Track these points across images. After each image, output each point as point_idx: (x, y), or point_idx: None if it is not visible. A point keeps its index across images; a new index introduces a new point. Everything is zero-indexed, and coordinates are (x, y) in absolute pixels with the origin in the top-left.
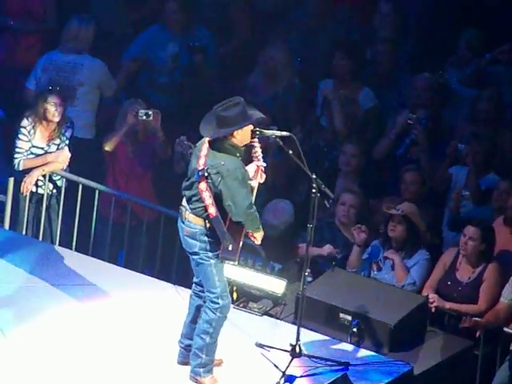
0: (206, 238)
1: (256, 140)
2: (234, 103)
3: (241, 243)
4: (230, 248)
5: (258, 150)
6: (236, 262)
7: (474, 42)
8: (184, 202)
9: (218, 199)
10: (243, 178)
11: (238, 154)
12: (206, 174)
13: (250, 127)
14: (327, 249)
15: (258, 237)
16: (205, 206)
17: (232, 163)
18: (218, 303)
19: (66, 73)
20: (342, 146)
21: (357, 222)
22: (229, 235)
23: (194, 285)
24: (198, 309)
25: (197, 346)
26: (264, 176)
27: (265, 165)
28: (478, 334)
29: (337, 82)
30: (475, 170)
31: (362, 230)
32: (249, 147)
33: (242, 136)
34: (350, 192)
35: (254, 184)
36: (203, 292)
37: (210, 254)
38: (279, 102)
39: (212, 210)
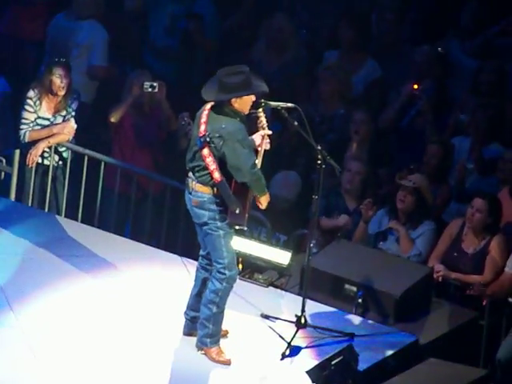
0: (214, 207)
1: (260, 110)
2: (238, 71)
3: (248, 207)
4: (238, 211)
5: (263, 120)
6: (245, 227)
7: (478, 14)
8: (189, 174)
9: (221, 163)
10: (244, 139)
11: (238, 119)
12: (207, 140)
13: (252, 98)
14: (342, 219)
15: (263, 201)
16: (210, 173)
17: (233, 125)
18: (225, 274)
19: (65, 35)
20: (352, 114)
21: (362, 189)
22: (235, 198)
23: (200, 257)
24: (204, 282)
25: (204, 316)
26: (268, 143)
27: (270, 132)
28: (484, 303)
29: (342, 53)
30: (478, 139)
31: (370, 207)
32: (254, 118)
33: (240, 104)
34: (355, 159)
35: (260, 151)
36: (210, 265)
37: (218, 224)
38: (285, 73)
39: (217, 175)
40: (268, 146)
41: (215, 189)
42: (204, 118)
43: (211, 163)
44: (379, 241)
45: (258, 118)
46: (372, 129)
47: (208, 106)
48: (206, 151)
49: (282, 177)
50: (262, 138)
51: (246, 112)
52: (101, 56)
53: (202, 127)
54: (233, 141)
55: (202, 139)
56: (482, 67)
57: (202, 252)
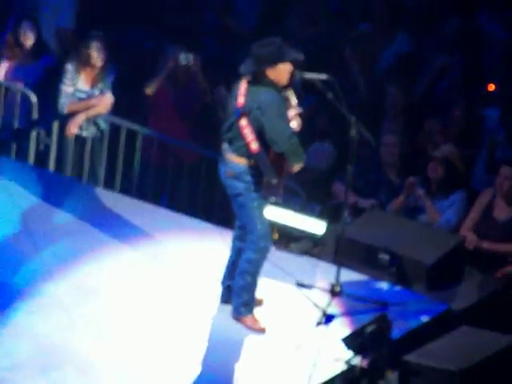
0: (249, 178)
1: (288, 90)
2: (270, 42)
3: (283, 180)
4: (274, 182)
5: (292, 98)
6: (280, 200)
7: None
8: (225, 145)
9: (259, 134)
10: (283, 110)
11: (274, 90)
12: (246, 110)
13: (288, 67)
14: (370, 202)
15: (296, 168)
16: (247, 143)
17: (271, 96)
18: (259, 244)
19: None
20: (387, 88)
21: (400, 162)
22: (272, 169)
23: (236, 228)
24: (240, 252)
25: (238, 286)
26: (300, 124)
27: (301, 110)
28: None
29: (375, 25)
30: (507, 110)
31: (413, 186)
32: (284, 98)
33: (276, 75)
34: (391, 133)
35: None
36: (245, 235)
37: (253, 195)
38: (318, 45)
39: (255, 146)
40: (298, 127)
41: (251, 160)
42: (242, 90)
43: (249, 134)
44: (414, 211)
45: (287, 98)
46: (406, 102)
47: (246, 79)
48: (243, 122)
49: (316, 148)
50: (292, 118)
51: (284, 82)
52: (68, 18)
53: (241, 99)
54: (271, 111)
55: (240, 110)
56: None
57: (237, 222)
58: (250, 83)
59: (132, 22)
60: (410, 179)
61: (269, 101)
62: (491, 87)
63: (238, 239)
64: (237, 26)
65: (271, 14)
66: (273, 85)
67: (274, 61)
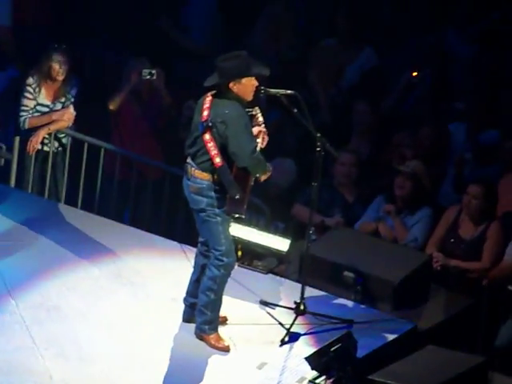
0: (212, 194)
1: (256, 108)
2: (235, 55)
3: (247, 194)
4: (238, 197)
5: (259, 116)
6: (243, 215)
7: (476, 2)
8: (189, 159)
9: (223, 149)
10: (247, 124)
11: (239, 105)
12: (210, 124)
13: (253, 82)
14: (335, 220)
15: (262, 178)
16: (210, 158)
17: (236, 110)
18: (223, 260)
19: None
20: (355, 105)
21: (358, 180)
22: (236, 184)
23: (199, 244)
24: (203, 268)
25: (202, 303)
26: (266, 140)
27: (265, 130)
28: (484, 282)
29: (339, 41)
30: (474, 126)
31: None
32: (250, 116)
33: (241, 89)
34: (348, 152)
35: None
36: (208, 251)
37: (216, 211)
38: (282, 61)
39: (218, 160)
40: (264, 145)
41: (214, 175)
42: (207, 104)
43: (213, 148)
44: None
45: (253, 116)
46: (375, 118)
47: (210, 93)
48: (207, 136)
49: (276, 164)
50: (257, 136)
51: (248, 98)
52: (4, 15)
53: (205, 112)
54: (235, 126)
55: (204, 124)
56: (479, 55)
57: (200, 238)
58: (214, 97)
59: (94, 34)
60: (388, 207)
61: (233, 115)
62: (414, 74)
63: (201, 255)
64: (185, 41)
65: (232, 30)
66: (237, 99)
67: (239, 75)
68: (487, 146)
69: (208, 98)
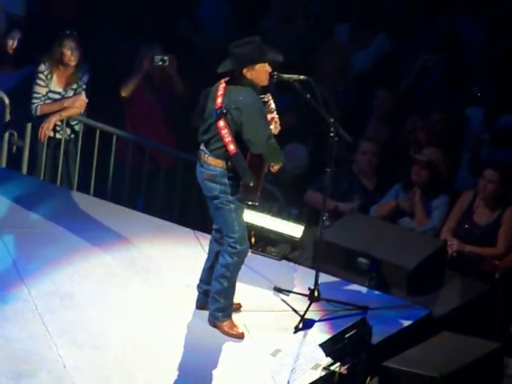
0: (226, 181)
1: (268, 95)
2: (248, 41)
3: (261, 181)
4: (252, 184)
5: (271, 103)
6: (257, 203)
7: None
8: (202, 146)
9: (237, 136)
10: (261, 110)
11: (253, 90)
12: (224, 111)
13: (266, 68)
14: (349, 206)
15: (276, 168)
16: (224, 145)
17: (250, 96)
18: (236, 248)
19: None
20: (375, 91)
21: (378, 169)
22: (250, 171)
23: (213, 231)
24: (217, 255)
25: (215, 291)
26: (278, 128)
27: (277, 117)
28: (496, 275)
29: (353, 27)
30: (490, 110)
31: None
32: (263, 103)
33: (255, 75)
34: (369, 140)
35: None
36: (222, 239)
37: (230, 198)
38: (296, 46)
39: (232, 147)
40: (277, 131)
41: (228, 162)
42: (221, 91)
43: (227, 135)
44: (394, 214)
45: (265, 102)
46: (393, 105)
47: (224, 80)
48: (221, 123)
49: (289, 150)
50: (270, 123)
51: (263, 83)
52: (19, 5)
53: (219, 99)
54: (250, 112)
55: (218, 111)
56: (491, 41)
57: (214, 225)
58: (228, 83)
59: (107, 20)
60: (414, 191)
61: (247, 101)
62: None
63: (215, 242)
64: (204, 44)
65: (244, 15)
66: (251, 85)
67: (253, 61)
68: (504, 129)
69: (222, 85)
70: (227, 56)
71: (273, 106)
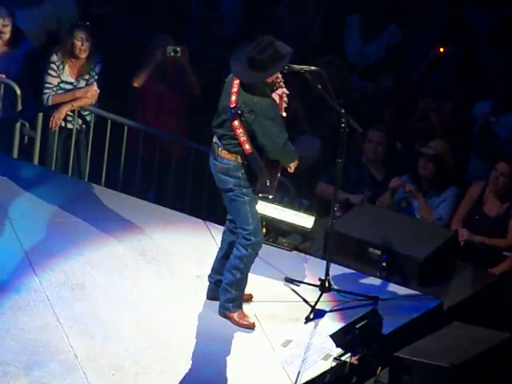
0: (239, 174)
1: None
2: (267, 44)
3: (277, 178)
4: (268, 183)
5: (279, 76)
6: (272, 196)
7: None
8: (215, 139)
9: (252, 136)
10: (276, 116)
11: (268, 90)
12: (239, 112)
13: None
14: (360, 198)
15: (292, 167)
16: (239, 143)
17: (265, 101)
18: (251, 240)
19: None
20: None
21: (384, 159)
22: (266, 171)
23: (227, 221)
24: (231, 245)
25: (227, 281)
26: (287, 103)
27: (287, 92)
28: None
29: (364, 18)
30: (500, 103)
31: (397, 187)
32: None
33: (271, 77)
34: (376, 129)
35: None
36: (236, 229)
37: (244, 191)
38: (306, 35)
39: (247, 147)
40: (285, 105)
41: (240, 156)
42: (235, 88)
43: (242, 134)
44: (403, 205)
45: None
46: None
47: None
48: (236, 123)
49: (301, 141)
50: (280, 98)
51: (276, 80)
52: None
53: (233, 97)
54: (264, 117)
55: (233, 110)
56: (499, 36)
57: (229, 216)
58: (242, 82)
59: (119, 10)
60: (394, 181)
61: (263, 106)
62: (441, 50)
63: (229, 232)
64: (220, 33)
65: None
66: (265, 85)
67: (276, 67)
68: None
69: (236, 81)
70: (240, 55)
71: (281, 79)
